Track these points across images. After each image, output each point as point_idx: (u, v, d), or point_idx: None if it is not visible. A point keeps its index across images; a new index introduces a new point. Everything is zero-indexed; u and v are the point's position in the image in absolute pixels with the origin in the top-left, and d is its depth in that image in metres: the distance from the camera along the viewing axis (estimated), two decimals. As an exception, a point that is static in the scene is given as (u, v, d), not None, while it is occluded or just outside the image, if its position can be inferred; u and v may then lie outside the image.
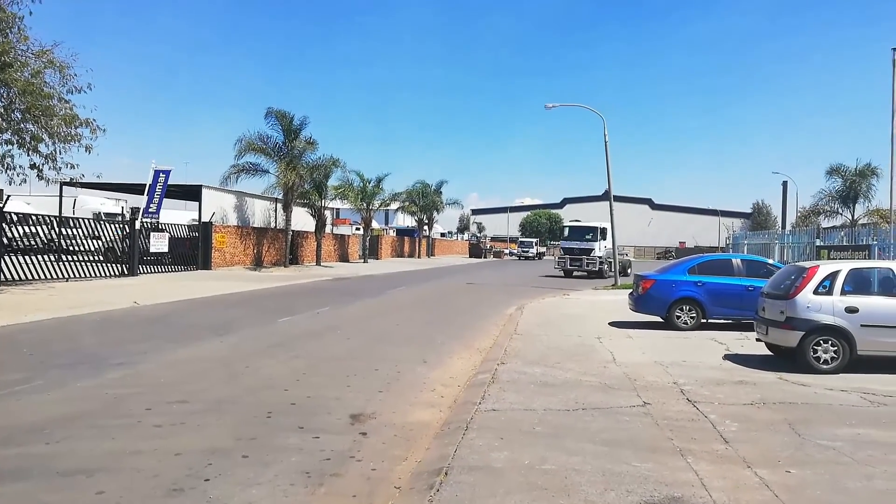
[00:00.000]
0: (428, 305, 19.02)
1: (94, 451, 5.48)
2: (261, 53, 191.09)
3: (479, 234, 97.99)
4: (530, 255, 73.16)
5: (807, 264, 10.20)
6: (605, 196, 29.93)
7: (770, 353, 10.34)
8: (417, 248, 63.57)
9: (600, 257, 35.04)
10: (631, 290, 15.22)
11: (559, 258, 36.55)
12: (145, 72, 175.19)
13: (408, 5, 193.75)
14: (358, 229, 54.87)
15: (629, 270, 32.89)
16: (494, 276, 35.53)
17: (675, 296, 13.68)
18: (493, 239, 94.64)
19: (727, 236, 47.83)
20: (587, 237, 35.73)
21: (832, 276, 9.30)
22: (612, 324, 14.51)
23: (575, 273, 36.02)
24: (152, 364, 9.15)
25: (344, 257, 47.14)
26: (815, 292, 9.23)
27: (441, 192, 63.55)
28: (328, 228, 45.40)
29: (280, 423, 6.49)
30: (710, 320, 13.74)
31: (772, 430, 6.27)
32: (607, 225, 31.48)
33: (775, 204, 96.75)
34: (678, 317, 13.64)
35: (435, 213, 64.85)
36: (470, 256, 74.50)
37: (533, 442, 5.79)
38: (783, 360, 9.85)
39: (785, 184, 47.82)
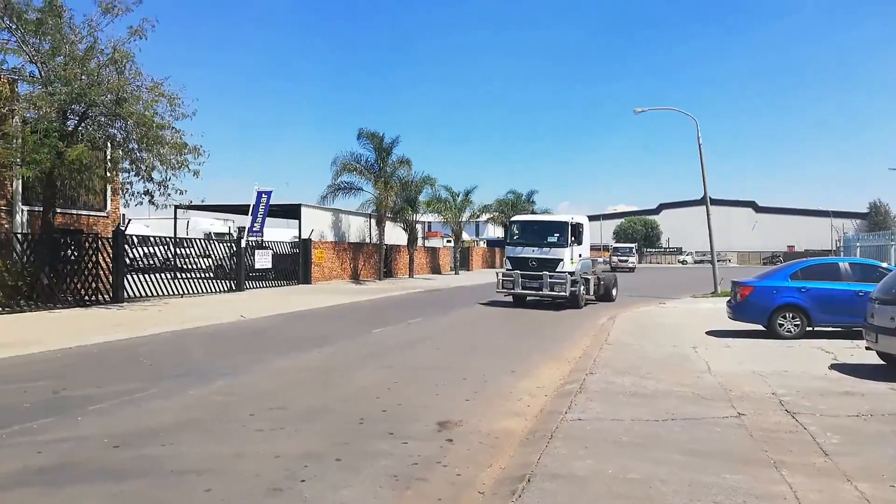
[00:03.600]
0: (517, 316, 19.03)
1: (203, 453, 5.94)
2: (354, 76, 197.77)
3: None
4: (628, 265, 60.86)
5: (922, 267, 9.50)
6: (704, 200, 28.84)
7: (882, 362, 9.69)
8: (509, 258, 63.34)
9: (572, 273, 20.52)
10: (729, 298, 14.64)
11: (504, 274, 21.51)
12: (245, 96, 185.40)
13: (486, 21, 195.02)
14: (449, 242, 55.55)
15: (614, 292, 24.15)
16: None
17: (776, 303, 13.04)
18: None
19: (837, 238, 44.76)
20: (550, 240, 21.07)
21: (950, 279, 8.62)
22: (709, 333, 14.02)
23: (530, 298, 21.86)
24: (255, 374, 9.75)
25: (436, 269, 47.85)
26: (931, 297, 8.59)
27: (532, 202, 63.23)
28: (420, 242, 46.31)
29: (371, 429, 6.77)
30: (816, 328, 13.00)
31: (878, 444, 5.93)
32: (584, 220, 21.89)
33: (895, 202, 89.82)
34: (780, 325, 12.99)
35: (526, 223, 64.49)
36: (563, 266, 73.60)
37: (618, 452, 5.76)
38: (897, 369, 9.22)
39: (904, 180, 44.25)
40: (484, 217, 56.51)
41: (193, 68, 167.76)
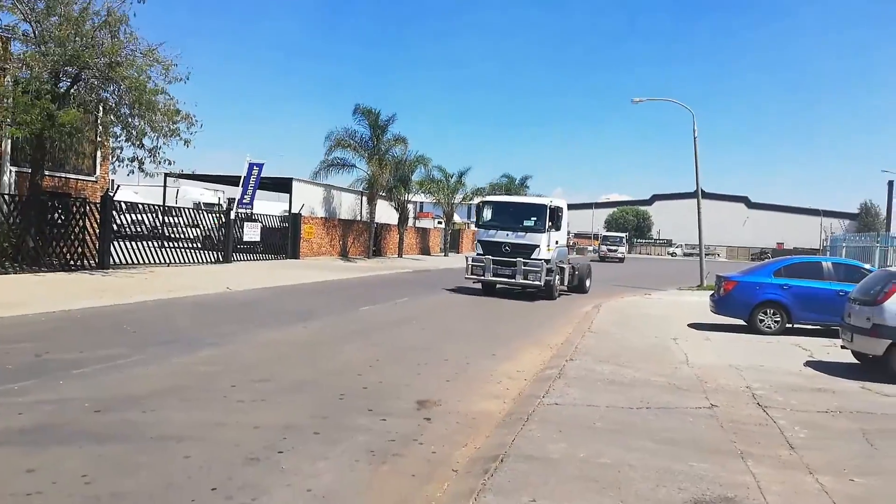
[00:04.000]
0: (502, 300, 19.16)
1: (184, 420, 6.02)
2: (352, 53, 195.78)
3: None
4: (617, 255, 58.29)
5: (900, 269, 9.67)
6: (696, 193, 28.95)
7: (856, 361, 9.88)
8: (499, 242, 63.46)
9: (548, 261, 19.15)
10: (712, 292, 14.81)
11: (473, 259, 19.90)
12: (242, 69, 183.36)
13: (488, 5, 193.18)
14: (440, 223, 55.58)
15: (587, 283, 22.65)
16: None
17: (758, 299, 13.23)
18: (577, 235, 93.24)
19: (825, 238, 45.19)
20: (526, 224, 19.69)
21: (927, 283, 8.78)
22: (691, 325, 14.21)
23: (500, 286, 20.51)
24: (240, 345, 9.81)
25: (426, 250, 47.91)
26: (907, 299, 8.75)
27: (526, 186, 63.15)
28: (411, 222, 46.25)
29: (351, 404, 6.87)
30: (796, 325, 13.21)
31: (844, 440, 6.10)
32: (563, 205, 20.39)
33: (885, 204, 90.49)
34: (761, 320, 13.19)
35: (518, 208, 64.51)
36: (552, 252, 73.62)
37: (592, 437, 5.89)
38: (870, 369, 9.41)
39: (891, 183, 44.69)
40: (476, 199, 56.49)
41: (190, 36, 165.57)
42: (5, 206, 17.29)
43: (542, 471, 4.98)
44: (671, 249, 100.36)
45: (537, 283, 18.90)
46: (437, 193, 46.10)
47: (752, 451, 5.63)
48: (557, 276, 19.86)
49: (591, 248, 78.41)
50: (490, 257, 19.39)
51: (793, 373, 9.29)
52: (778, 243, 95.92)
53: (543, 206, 19.73)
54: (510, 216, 20.18)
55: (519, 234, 19.39)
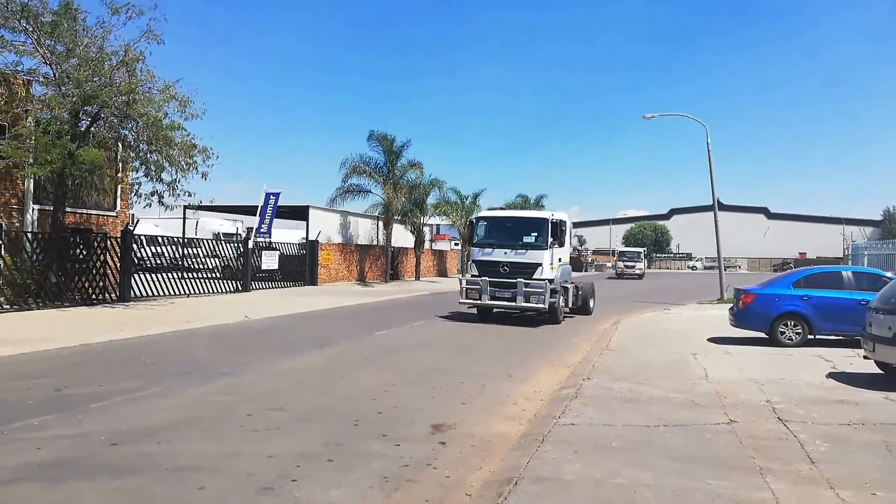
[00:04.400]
0: (519, 320, 19.08)
1: (200, 451, 6.06)
2: (363, 83, 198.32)
3: (580, 248, 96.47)
4: (635, 271, 54.85)
5: (921, 277, 9.51)
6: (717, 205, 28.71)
7: (880, 371, 9.69)
8: (517, 262, 63.37)
9: (552, 281, 17.33)
10: (731, 305, 14.64)
11: (468, 282, 17.96)
12: (256, 98, 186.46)
13: (495, 33, 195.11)
14: (457, 245, 55.63)
15: (591, 303, 21.28)
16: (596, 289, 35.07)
17: (778, 311, 13.04)
18: (596, 252, 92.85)
19: (846, 246, 44.47)
20: (526, 240, 17.71)
21: (948, 290, 8.61)
22: (711, 340, 14.03)
23: (497, 310, 18.76)
24: (256, 374, 9.87)
25: (443, 272, 47.96)
26: (929, 307, 8.59)
27: (541, 206, 63.20)
28: (427, 245, 46.39)
29: (366, 430, 6.87)
30: (817, 336, 12.99)
31: (866, 452, 5.96)
32: (566, 218, 18.68)
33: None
34: (782, 332, 12.99)
35: (534, 228, 64.46)
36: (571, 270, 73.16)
37: (607, 456, 5.83)
38: (894, 379, 9.21)
39: (916, 188, 43.89)
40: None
41: (204, 71, 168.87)
42: (28, 244, 17.66)
43: (555, 492, 4.93)
44: (691, 263, 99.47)
45: (540, 305, 17.04)
46: (452, 215, 46.25)
47: (772, 466, 5.53)
48: (562, 298, 17.98)
49: (609, 265, 77.93)
50: (487, 279, 17.48)
51: (814, 385, 9.13)
52: (800, 253, 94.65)
53: (544, 221, 17.66)
54: (507, 233, 18.14)
55: (518, 251, 17.48)
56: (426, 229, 44.03)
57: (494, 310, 18.53)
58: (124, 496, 4.96)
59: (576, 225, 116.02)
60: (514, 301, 17.15)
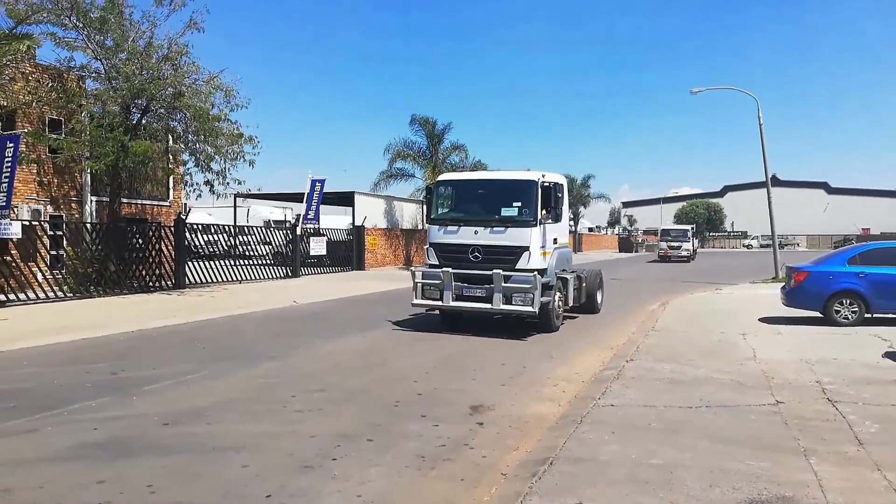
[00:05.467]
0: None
1: (244, 431, 6.27)
2: (407, 68, 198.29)
3: (629, 228, 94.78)
4: (680, 253, 46.31)
5: None
6: (772, 181, 27.69)
7: (941, 350, 9.27)
8: (564, 243, 62.78)
9: (543, 272, 12.28)
10: (783, 284, 14.19)
11: (424, 275, 12.81)
12: (300, 86, 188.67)
13: (539, 9, 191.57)
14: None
15: (599, 297, 16.17)
16: (640, 271, 34.49)
17: (832, 289, 12.56)
18: (646, 232, 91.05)
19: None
20: (507, 213, 12.44)
21: None
22: (762, 319, 13.65)
23: (467, 312, 13.11)
24: (301, 357, 10.12)
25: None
26: None
27: (588, 186, 62.50)
28: (474, 227, 46.23)
29: (405, 411, 6.97)
30: (875, 315, 12.49)
31: (919, 434, 5.74)
32: (562, 181, 13.50)
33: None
34: (837, 311, 12.52)
35: (581, 208, 63.84)
36: (620, 251, 72.19)
37: (645, 437, 5.77)
38: (956, 358, 8.82)
39: None
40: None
41: (251, 60, 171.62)
42: (88, 235, 18.40)
43: (591, 473, 4.92)
44: (746, 242, 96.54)
45: (526, 308, 11.82)
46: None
47: (817, 447, 5.38)
48: (558, 294, 12.84)
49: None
50: (450, 270, 12.20)
51: (869, 365, 8.80)
52: (863, 229, 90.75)
53: (531, 184, 12.31)
54: (480, 203, 12.91)
55: (495, 230, 12.19)
56: (471, 212, 43.88)
57: (464, 313, 13.08)
58: (172, 474, 5.17)
59: (625, 205, 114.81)
60: (490, 302, 12.00)
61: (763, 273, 28.22)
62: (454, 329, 12.95)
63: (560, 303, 13.06)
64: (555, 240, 12.92)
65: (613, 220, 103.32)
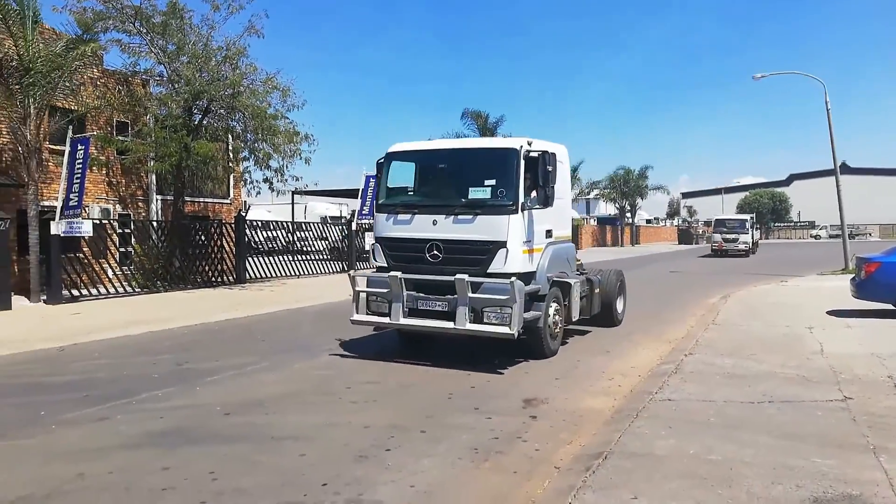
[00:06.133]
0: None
1: (301, 422, 6.42)
2: (461, 62, 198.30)
3: (689, 219, 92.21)
4: (737, 247, 40.19)
5: None
6: (842, 169, 26.45)
7: None
8: (620, 236, 61.83)
9: (529, 276, 8.92)
10: (853, 275, 13.57)
11: (370, 282, 9.55)
12: (352, 88, 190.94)
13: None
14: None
15: (618, 305, 12.68)
16: (700, 264, 33.53)
17: (906, 280, 11.94)
18: (707, 223, 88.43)
19: None
20: (476, 195, 8.91)
21: None
22: (830, 312, 13.09)
23: (426, 331, 9.38)
24: (355, 349, 10.27)
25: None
26: None
27: (646, 177, 61.04)
28: (528, 221, 45.90)
29: (458, 404, 7.00)
30: (955, 307, 11.82)
31: None
32: (560, 151, 10.02)
33: None
34: (912, 303, 11.90)
35: (639, 200, 62.55)
36: (679, 243, 70.46)
37: (703, 432, 5.63)
38: None
39: None
40: (593, 194, 55.25)
41: (306, 63, 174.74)
42: (154, 233, 19.15)
43: (646, 468, 4.83)
44: (814, 232, 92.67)
45: (504, 327, 8.41)
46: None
47: (888, 445, 5.14)
48: (554, 307, 9.50)
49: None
50: (401, 275, 8.99)
51: (947, 360, 8.34)
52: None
53: (509, 154, 8.89)
54: (441, 182, 9.86)
55: (460, 218, 8.89)
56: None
57: (419, 329, 9.36)
58: (232, 462, 5.34)
59: (685, 195, 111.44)
60: (453, 319, 8.64)
61: (832, 264, 27.07)
62: (411, 356, 9.63)
63: (558, 318, 9.65)
64: (548, 232, 9.52)
65: (672, 212, 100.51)
